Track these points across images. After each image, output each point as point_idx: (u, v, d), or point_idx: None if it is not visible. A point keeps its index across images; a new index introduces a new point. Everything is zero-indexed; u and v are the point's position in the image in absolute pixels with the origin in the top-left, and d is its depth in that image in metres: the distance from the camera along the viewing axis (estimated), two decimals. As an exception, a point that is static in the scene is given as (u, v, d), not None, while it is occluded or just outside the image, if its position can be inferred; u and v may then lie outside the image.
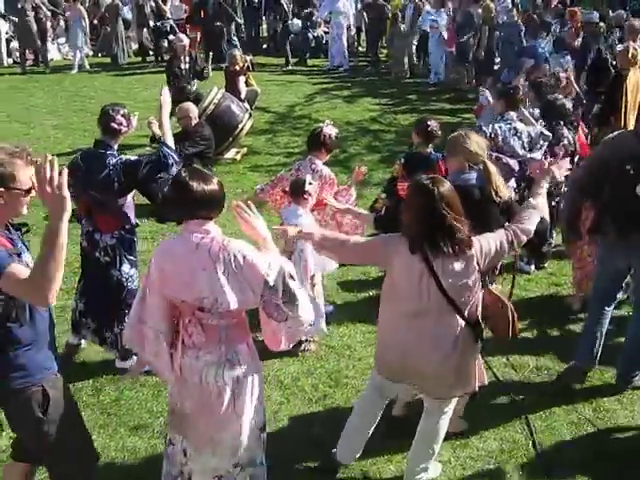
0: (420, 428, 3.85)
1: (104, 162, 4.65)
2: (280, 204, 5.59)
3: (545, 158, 5.95)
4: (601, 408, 4.68)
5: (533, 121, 6.31)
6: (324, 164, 5.57)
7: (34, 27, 15.84)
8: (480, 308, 3.67)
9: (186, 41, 11.05)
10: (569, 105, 6.47)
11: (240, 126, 9.76)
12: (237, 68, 11.01)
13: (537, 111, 6.69)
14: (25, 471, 3.41)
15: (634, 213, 4.47)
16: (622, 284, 4.97)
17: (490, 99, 7.67)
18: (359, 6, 18.65)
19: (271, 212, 6.10)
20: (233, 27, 16.69)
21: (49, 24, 16.83)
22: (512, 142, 6.02)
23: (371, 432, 3.99)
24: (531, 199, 3.92)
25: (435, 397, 3.78)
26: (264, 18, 19.48)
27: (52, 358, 3.09)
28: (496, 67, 13.29)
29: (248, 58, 11.81)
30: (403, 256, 3.50)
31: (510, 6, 15.03)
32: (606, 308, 4.84)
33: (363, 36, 18.18)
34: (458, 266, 3.47)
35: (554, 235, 6.62)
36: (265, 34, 19.96)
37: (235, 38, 16.55)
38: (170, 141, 4.79)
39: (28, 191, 2.84)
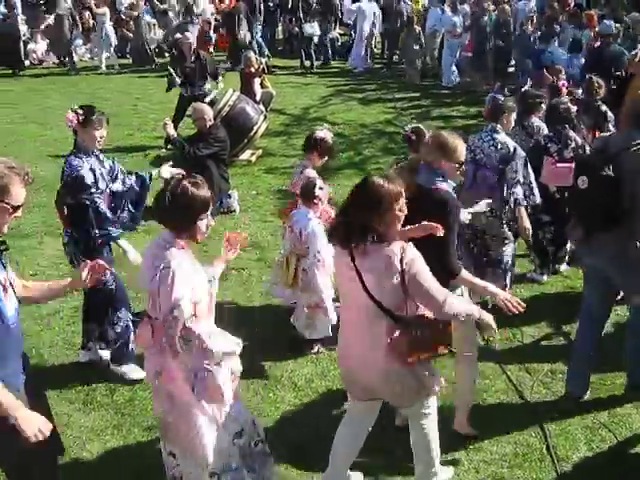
0: (411, 436, 3.75)
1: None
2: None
3: (553, 164, 5.90)
4: (616, 412, 4.64)
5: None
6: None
7: (68, 35, 16.51)
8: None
9: (192, 39, 11.05)
10: (573, 109, 6.36)
11: (255, 128, 9.78)
12: (252, 70, 11.06)
13: (536, 121, 6.54)
14: None
15: (588, 210, 4.32)
16: (611, 302, 4.72)
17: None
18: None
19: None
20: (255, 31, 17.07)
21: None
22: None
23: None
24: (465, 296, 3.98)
25: (398, 406, 3.71)
26: (280, 20, 19.58)
27: (17, 373, 3.04)
28: (511, 69, 13.24)
29: (263, 60, 11.81)
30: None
31: (534, 10, 14.79)
32: (596, 325, 4.64)
33: (379, 38, 18.16)
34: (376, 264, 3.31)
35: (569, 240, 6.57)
36: (280, 36, 20.09)
37: (255, 42, 16.79)
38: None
39: (15, 209, 2.84)
